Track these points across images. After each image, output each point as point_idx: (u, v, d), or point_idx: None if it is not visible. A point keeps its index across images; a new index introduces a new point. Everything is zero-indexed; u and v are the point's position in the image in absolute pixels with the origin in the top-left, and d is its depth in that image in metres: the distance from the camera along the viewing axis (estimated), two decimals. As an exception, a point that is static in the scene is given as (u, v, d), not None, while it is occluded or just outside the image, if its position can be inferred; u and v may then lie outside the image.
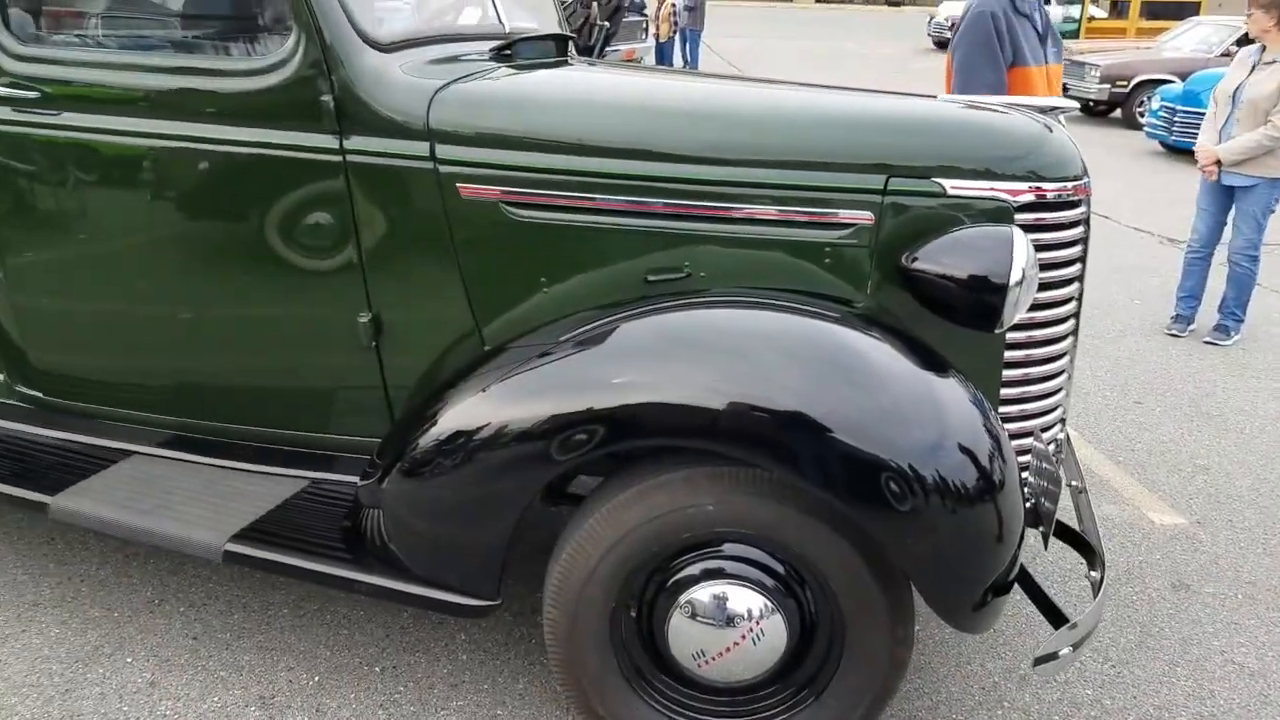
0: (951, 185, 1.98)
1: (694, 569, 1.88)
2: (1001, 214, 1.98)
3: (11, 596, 2.60)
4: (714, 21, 19.99)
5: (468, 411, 1.93)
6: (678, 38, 15.69)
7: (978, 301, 1.88)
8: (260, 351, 2.33)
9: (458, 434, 1.92)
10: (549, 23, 2.95)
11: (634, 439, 1.81)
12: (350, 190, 2.12)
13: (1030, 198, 2.00)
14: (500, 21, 2.51)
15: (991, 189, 2.00)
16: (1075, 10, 19.71)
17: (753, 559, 1.88)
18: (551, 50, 2.57)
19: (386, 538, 2.07)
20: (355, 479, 2.29)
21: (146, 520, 2.20)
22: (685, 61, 15.41)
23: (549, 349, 1.95)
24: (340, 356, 2.27)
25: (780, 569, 1.88)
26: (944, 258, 1.92)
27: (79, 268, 2.36)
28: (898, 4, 36.37)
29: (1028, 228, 1.97)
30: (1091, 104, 12.93)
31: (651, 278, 2.05)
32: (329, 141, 2.09)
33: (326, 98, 2.05)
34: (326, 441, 2.39)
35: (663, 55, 14.82)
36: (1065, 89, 13.73)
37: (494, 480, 1.89)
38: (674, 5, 14.80)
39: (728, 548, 1.88)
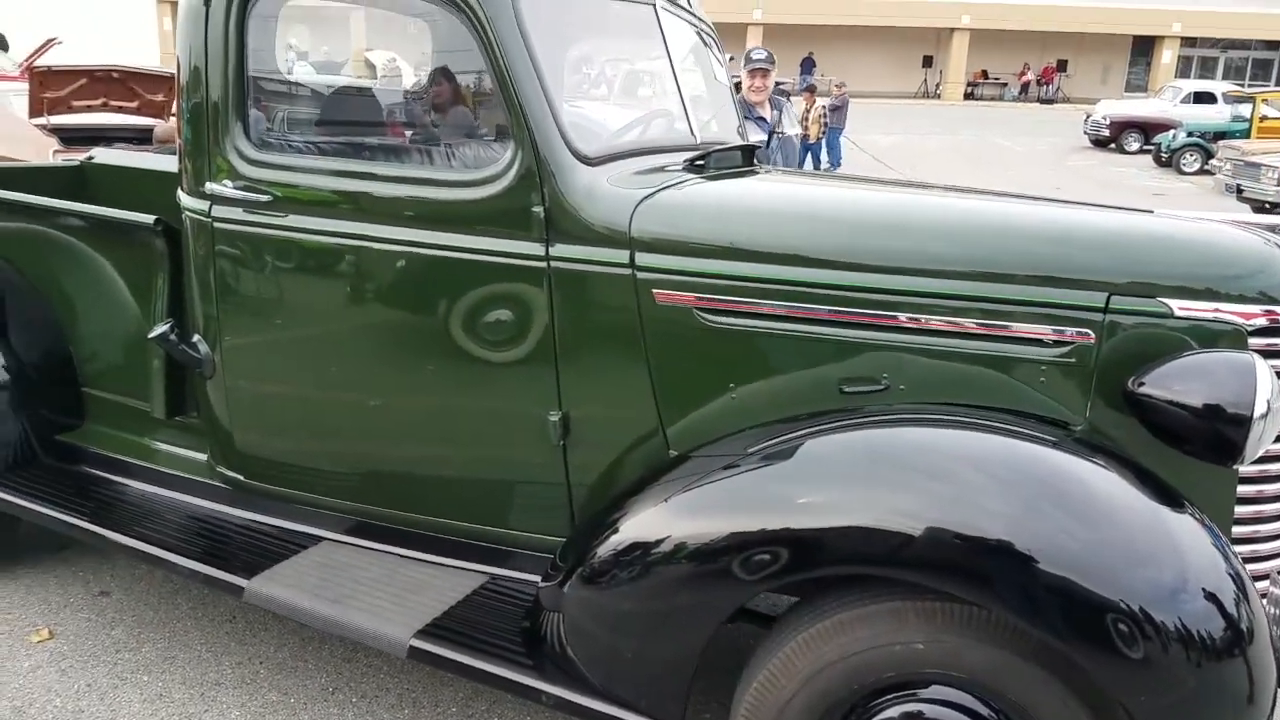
0: (1179, 306, 1.87)
1: (893, 711, 1.76)
2: (1234, 338, 1.85)
3: (196, 674, 2.69)
4: (859, 118, 20.08)
5: (648, 522, 1.90)
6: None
7: (1216, 433, 1.74)
8: (450, 444, 2.38)
9: (637, 545, 1.89)
10: (729, 127, 3.00)
11: (821, 566, 1.73)
12: (551, 294, 2.17)
13: (1263, 322, 1.86)
14: (693, 133, 2.56)
15: (1221, 311, 1.87)
16: (1246, 110, 18.87)
17: (960, 703, 1.74)
18: (739, 159, 2.60)
19: (566, 643, 2.04)
20: (532, 576, 2.30)
21: (335, 610, 2.24)
22: (827, 160, 15.50)
23: (734, 461, 1.91)
24: (527, 452, 2.29)
25: (990, 716, 1.73)
26: (1176, 384, 1.79)
27: (288, 356, 2.49)
28: (1050, 101, 35.76)
29: (1262, 354, 1.83)
30: (1268, 205, 12.24)
31: (847, 389, 2.00)
32: (535, 249, 2.15)
33: (537, 209, 2.12)
34: (505, 536, 2.40)
35: (811, 154, 14.94)
36: (1240, 191, 13.07)
37: (673, 597, 1.83)
38: (823, 107, 14.96)
39: (933, 690, 1.75)
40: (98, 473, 2.91)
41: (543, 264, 2.16)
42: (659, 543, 1.85)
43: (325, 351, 2.45)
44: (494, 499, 2.39)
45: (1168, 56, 35.93)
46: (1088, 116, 24.66)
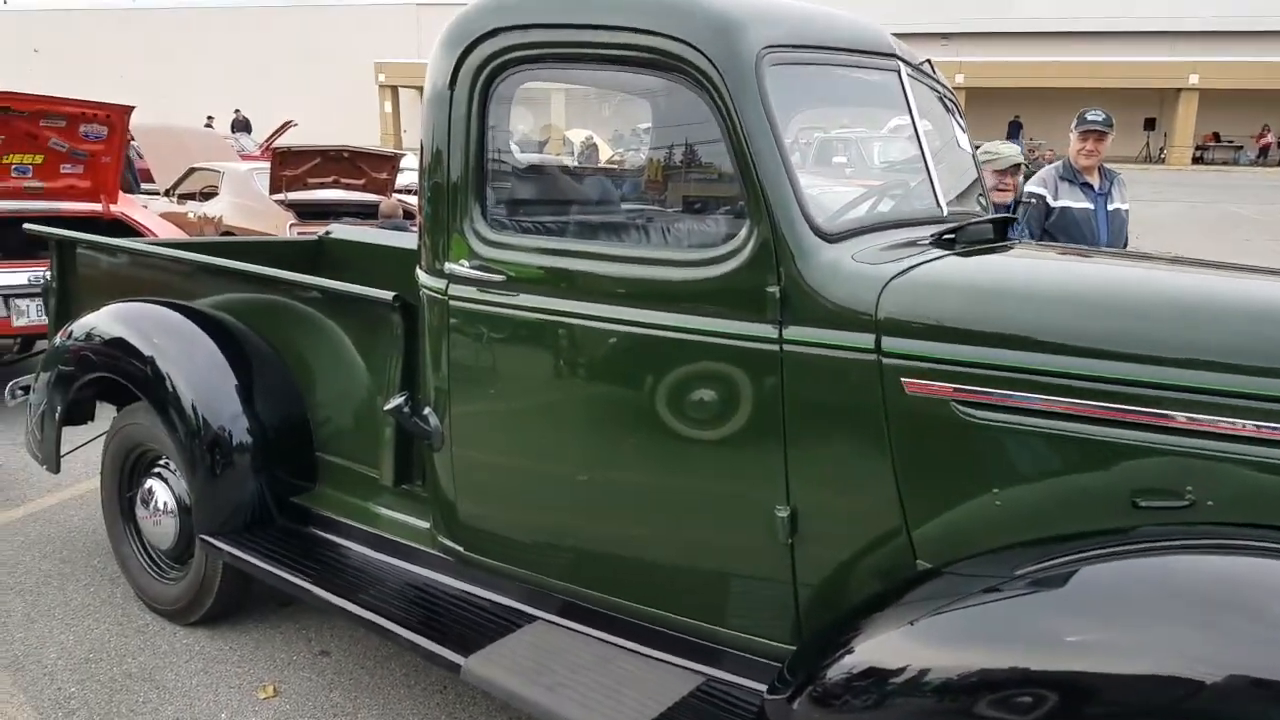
0: None
1: None
2: None
3: (409, 744, 2.68)
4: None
5: (889, 645, 1.73)
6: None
7: None
8: (667, 532, 2.29)
9: (875, 670, 1.72)
10: (972, 198, 2.81)
11: (1096, 718, 1.49)
12: (783, 380, 2.05)
13: None
14: (939, 205, 2.40)
15: None
16: None
17: None
18: (991, 233, 2.40)
19: (794, 761, 1.86)
20: (750, 683, 2.16)
21: (549, 698, 2.17)
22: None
23: (996, 584, 1.71)
24: (749, 548, 2.16)
25: None
26: None
27: (512, 432, 2.48)
28: (1290, 165, 32.66)
29: None
30: None
31: (1142, 503, 1.75)
32: (767, 331, 2.04)
33: (772, 289, 2.02)
34: (721, 635, 2.26)
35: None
36: None
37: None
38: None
39: None
40: (326, 535, 3.01)
41: (774, 347, 2.04)
42: (901, 670, 1.67)
43: (548, 429, 2.42)
44: (711, 594, 2.26)
45: None
46: (1336, 180, 22.29)
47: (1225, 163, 34.16)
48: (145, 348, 3.12)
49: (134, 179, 11.02)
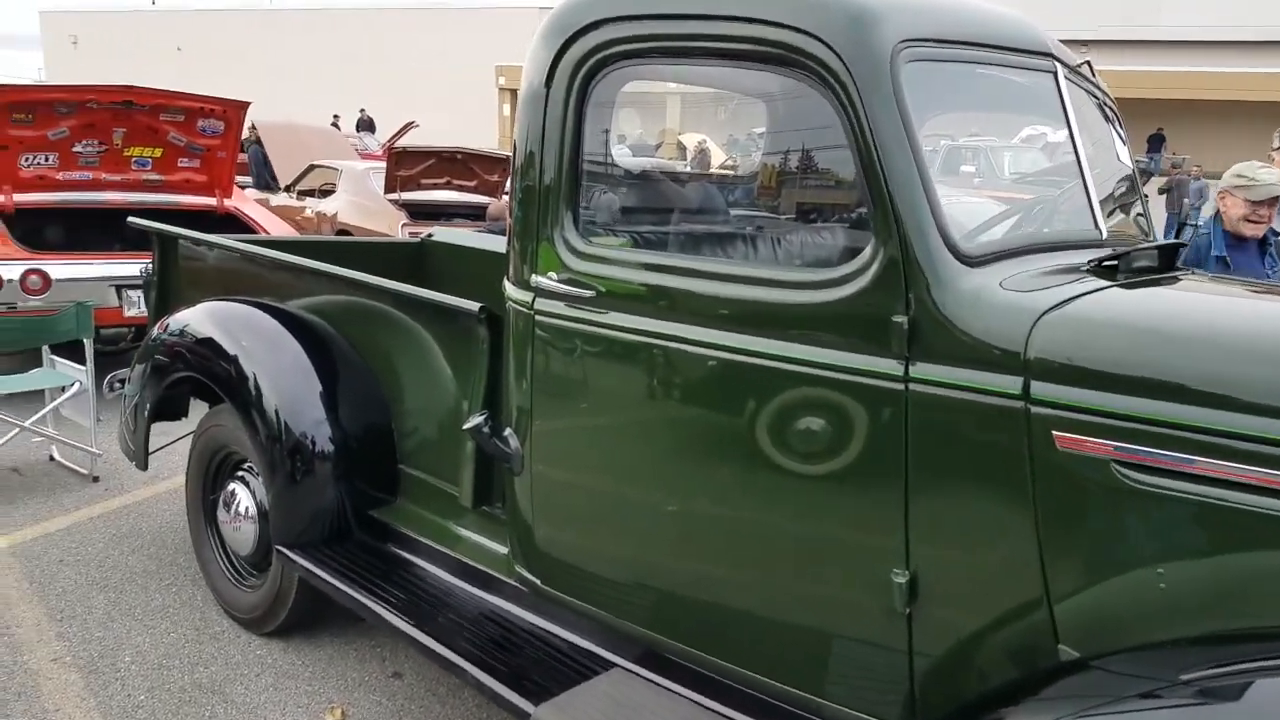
0: None
1: None
2: None
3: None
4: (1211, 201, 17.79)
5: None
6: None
7: None
8: (765, 583, 2.03)
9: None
10: (1128, 213, 2.46)
11: None
12: (907, 425, 1.77)
13: None
14: (1097, 226, 2.08)
15: None
16: None
17: None
18: (1157, 261, 2.07)
19: None
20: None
21: (624, 762, 1.94)
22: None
23: (1158, 689, 1.42)
24: (859, 612, 1.89)
25: None
26: None
27: (597, 461, 2.28)
28: None
29: None
30: None
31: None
32: (892, 367, 1.77)
33: (900, 318, 1.75)
34: (822, 708, 1.99)
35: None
36: None
37: None
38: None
39: None
40: (402, 553, 2.86)
41: (899, 385, 1.77)
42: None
43: (635, 459, 2.20)
44: (811, 658, 2.00)
45: None
46: None
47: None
48: (231, 348, 3.04)
49: (271, 178, 11.32)
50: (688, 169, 3.48)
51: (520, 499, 2.43)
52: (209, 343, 3.11)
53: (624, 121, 2.44)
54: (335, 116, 24.48)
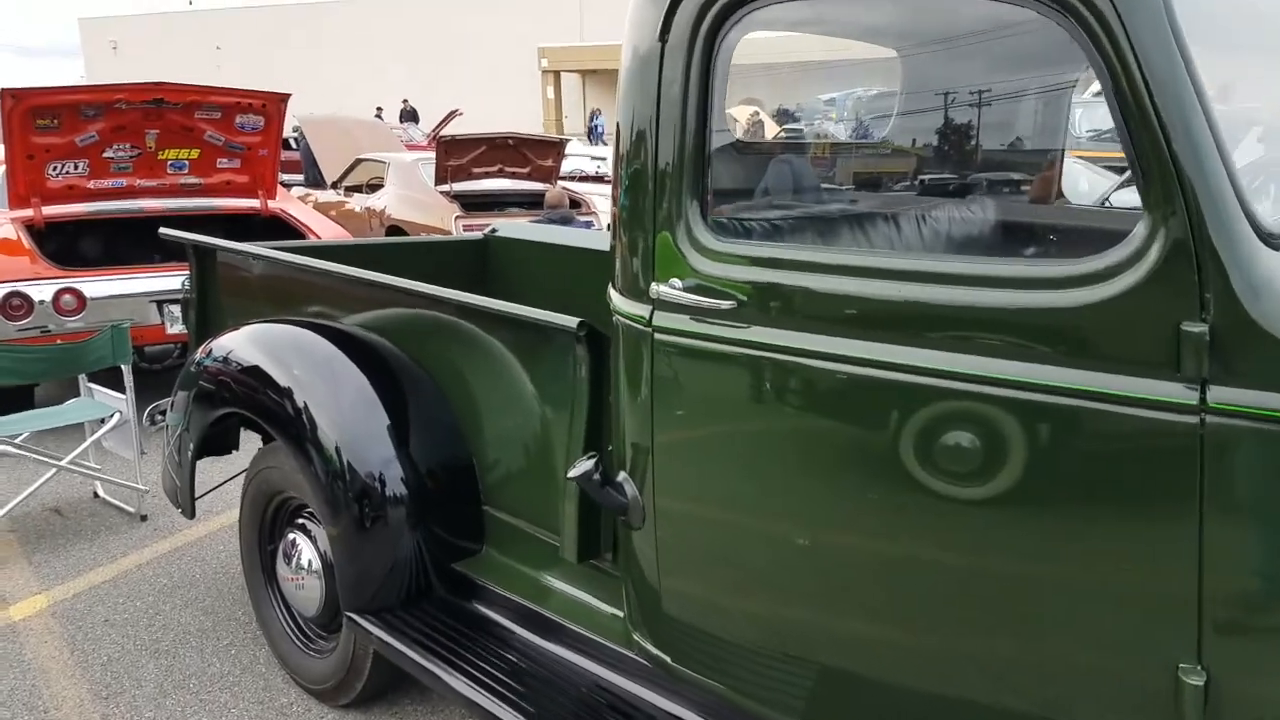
0: None
1: None
2: None
3: None
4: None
5: None
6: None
7: None
8: (979, 677, 1.54)
9: None
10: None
11: None
12: (1200, 474, 1.27)
13: None
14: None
15: None
16: None
17: None
18: None
19: None
20: None
21: None
22: None
23: None
24: None
25: None
26: None
27: (743, 513, 1.80)
28: None
29: None
30: None
31: None
32: (1180, 394, 1.28)
33: (1192, 326, 1.24)
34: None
35: None
36: None
37: None
38: None
39: None
40: (493, 615, 2.41)
41: (1192, 419, 1.27)
42: None
43: (793, 512, 1.72)
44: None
45: None
46: None
47: None
48: (282, 378, 2.61)
49: (319, 176, 11.02)
50: (830, 140, 2.95)
51: (641, 557, 1.96)
52: (256, 372, 2.68)
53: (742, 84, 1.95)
54: (378, 109, 24.20)
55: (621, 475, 1.91)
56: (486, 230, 4.11)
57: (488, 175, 8.89)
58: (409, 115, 26.34)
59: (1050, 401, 1.38)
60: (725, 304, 1.67)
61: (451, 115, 17.32)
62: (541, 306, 2.22)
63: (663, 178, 1.75)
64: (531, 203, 8.56)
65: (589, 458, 1.92)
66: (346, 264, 2.81)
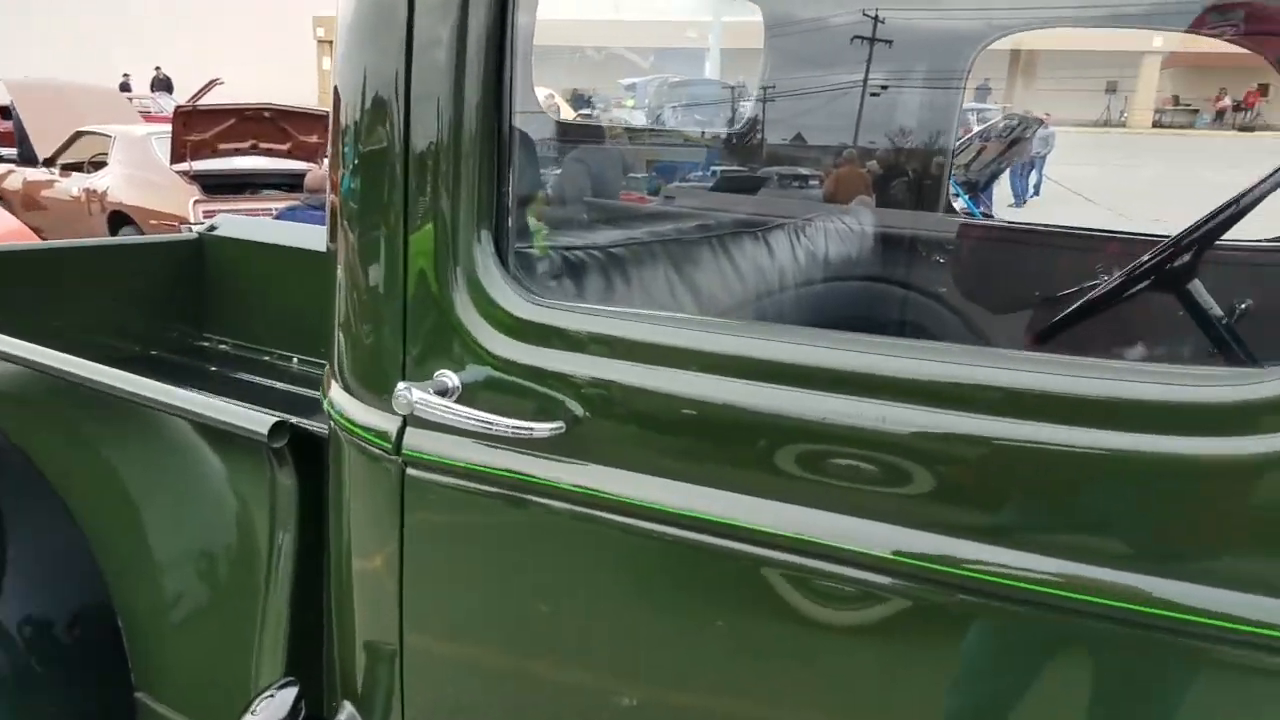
0: None
1: None
2: None
3: None
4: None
5: None
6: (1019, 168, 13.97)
7: None
8: None
9: None
10: None
11: None
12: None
13: None
14: None
15: None
16: None
17: None
18: None
19: None
20: None
21: None
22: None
23: None
24: None
25: None
26: None
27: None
28: (1249, 129, 32.37)
29: None
30: None
31: None
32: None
33: None
34: None
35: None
36: None
37: None
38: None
39: None
40: None
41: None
42: None
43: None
44: None
45: (1393, 77, 31.98)
46: (1314, 142, 21.62)
47: (1183, 126, 33.74)
48: None
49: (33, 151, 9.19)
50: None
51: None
52: None
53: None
54: (125, 75, 21.51)
55: (344, 714, 1.08)
56: (204, 227, 3.12)
57: (238, 152, 7.62)
58: (162, 84, 23.73)
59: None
60: (543, 427, 0.89)
61: (210, 85, 15.40)
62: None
63: (423, 190, 0.94)
64: (292, 184, 7.39)
65: (281, 684, 1.08)
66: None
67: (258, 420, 1.16)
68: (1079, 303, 1.36)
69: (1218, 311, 1.34)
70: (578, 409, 0.88)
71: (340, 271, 1.04)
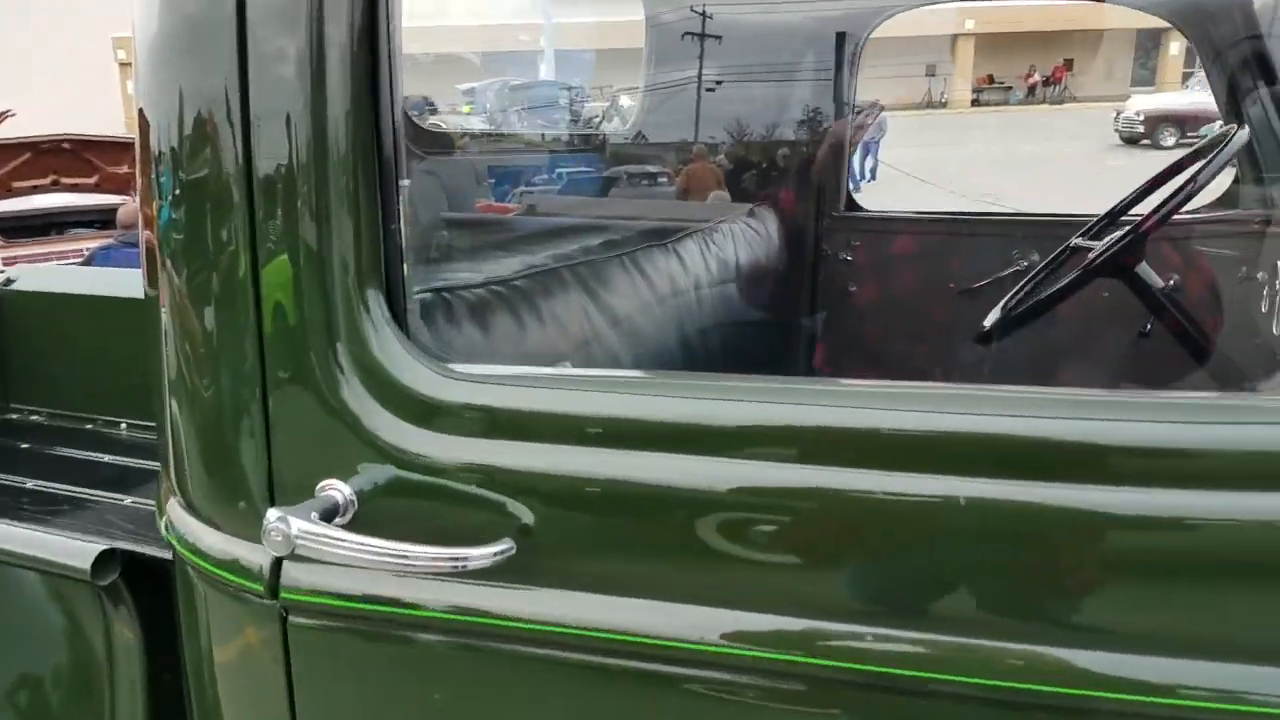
0: None
1: None
2: None
3: None
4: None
5: None
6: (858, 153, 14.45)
7: None
8: None
9: None
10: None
11: None
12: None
13: None
14: None
15: None
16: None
17: None
18: None
19: None
20: None
21: None
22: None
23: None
24: None
25: None
26: None
27: None
28: (1059, 102, 34.74)
29: None
30: None
31: None
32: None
33: None
34: None
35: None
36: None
37: None
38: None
39: None
40: None
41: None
42: None
43: None
44: None
45: (1175, 48, 34.96)
46: (1118, 114, 23.28)
47: (999, 103, 35.83)
48: None
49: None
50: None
51: None
52: None
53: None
54: (-105, 110, 19.49)
55: None
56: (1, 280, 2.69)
57: (38, 189, 6.94)
58: (-56, 117, 21.69)
59: None
60: (482, 553, 0.64)
61: (2, 116, 14.12)
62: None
63: (273, 215, 0.68)
64: (104, 221, 6.77)
65: None
66: None
67: (77, 552, 0.86)
68: (1033, 299, 1.24)
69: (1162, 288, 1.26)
70: (529, 518, 0.64)
71: (166, 320, 0.76)
